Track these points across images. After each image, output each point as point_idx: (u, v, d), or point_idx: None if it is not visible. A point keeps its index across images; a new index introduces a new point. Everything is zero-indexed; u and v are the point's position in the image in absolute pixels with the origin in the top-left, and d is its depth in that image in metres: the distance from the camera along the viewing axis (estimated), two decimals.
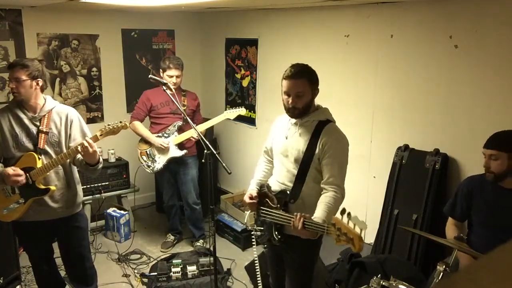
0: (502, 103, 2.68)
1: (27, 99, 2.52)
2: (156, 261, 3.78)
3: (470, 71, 2.81)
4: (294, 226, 2.06)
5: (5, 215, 2.62)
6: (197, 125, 3.83)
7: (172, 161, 3.80)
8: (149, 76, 3.05)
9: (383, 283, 2.28)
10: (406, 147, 3.18)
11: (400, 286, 2.27)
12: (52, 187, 2.57)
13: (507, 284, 0.46)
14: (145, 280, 3.46)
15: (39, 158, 2.53)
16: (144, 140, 3.85)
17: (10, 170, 2.47)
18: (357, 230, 1.84)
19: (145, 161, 3.83)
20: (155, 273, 3.40)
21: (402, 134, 3.23)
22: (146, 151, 3.83)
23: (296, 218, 2.05)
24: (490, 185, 2.41)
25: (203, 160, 2.67)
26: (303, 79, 2.14)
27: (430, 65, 3.02)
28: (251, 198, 2.38)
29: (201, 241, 4.11)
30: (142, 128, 3.83)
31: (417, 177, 3.05)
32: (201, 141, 2.73)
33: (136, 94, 4.79)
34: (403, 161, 3.15)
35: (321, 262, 2.99)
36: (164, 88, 2.85)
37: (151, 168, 3.81)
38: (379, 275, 2.36)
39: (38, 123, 2.55)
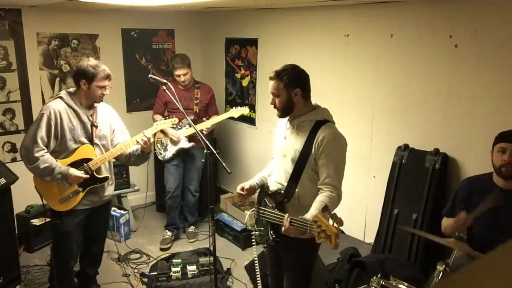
0: (502, 103, 2.68)
1: None
2: (156, 260, 3.78)
3: (470, 71, 2.81)
4: (284, 225, 2.11)
5: (62, 205, 2.75)
6: (212, 117, 4.12)
7: (181, 152, 4.04)
8: (149, 76, 3.05)
9: (383, 283, 2.28)
10: (406, 146, 3.18)
11: (400, 285, 2.27)
12: (108, 175, 2.89)
13: (507, 284, 0.46)
14: (145, 279, 3.46)
15: (94, 150, 2.77)
16: (162, 130, 4.02)
17: (75, 172, 2.67)
18: (335, 227, 1.87)
19: (158, 149, 4.11)
20: (155, 273, 3.40)
21: (402, 133, 3.23)
22: (161, 140, 4.11)
23: (284, 217, 2.11)
24: (490, 186, 2.40)
25: (203, 160, 2.70)
26: (275, 80, 2.25)
27: (430, 65, 3.01)
28: (242, 189, 2.39)
29: (192, 227, 4.34)
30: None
31: (417, 177, 3.05)
32: (201, 140, 2.73)
33: (136, 94, 4.80)
34: (403, 161, 3.15)
35: (321, 262, 2.99)
36: (164, 88, 2.85)
37: (162, 155, 4.08)
38: (379, 274, 2.37)
39: (91, 118, 2.78)
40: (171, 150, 4.04)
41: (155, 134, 3.93)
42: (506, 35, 2.61)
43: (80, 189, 2.76)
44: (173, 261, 3.52)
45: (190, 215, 4.33)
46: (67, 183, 2.71)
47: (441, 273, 2.15)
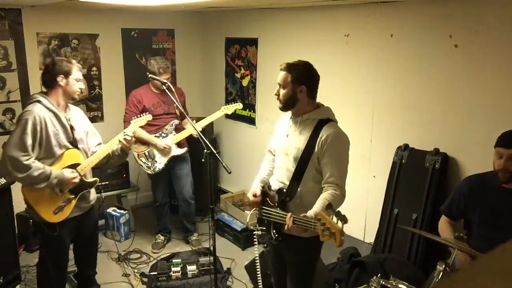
0: (502, 102, 2.68)
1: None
2: (156, 260, 3.78)
3: (470, 71, 2.81)
4: (287, 224, 2.13)
5: (56, 216, 2.62)
6: (184, 119, 3.86)
7: (171, 160, 3.83)
8: (149, 75, 3.06)
9: (383, 283, 2.28)
10: (406, 146, 3.18)
11: (400, 285, 2.27)
12: (97, 179, 2.80)
13: (507, 284, 0.46)
14: (145, 279, 3.46)
15: (80, 154, 2.69)
16: (140, 142, 3.82)
17: (70, 174, 2.58)
18: (340, 224, 1.86)
19: (144, 163, 3.82)
20: (155, 273, 3.40)
21: (402, 133, 3.24)
22: (145, 153, 3.82)
23: (287, 216, 2.12)
24: (491, 185, 2.40)
25: (203, 160, 2.67)
26: (285, 72, 2.24)
27: (430, 65, 3.02)
28: (254, 196, 2.39)
29: (195, 234, 4.18)
30: (140, 131, 3.74)
31: (417, 177, 3.05)
32: (201, 140, 2.72)
33: None
34: (403, 161, 3.15)
35: (321, 262, 2.99)
36: (164, 88, 2.84)
37: (152, 169, 3.82)
38: (379, 274, 2.37)
39: (69, 121, 2.67)
40: (162, 161, 3.80)
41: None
42: (506, 35, 2.61)
43: (72, 196, 2.66)
44: (173, 261, 3.52)
45: (190, 224, 4.16)
46: (62, 187, 2.59)
47: (441, 273, 2.15)
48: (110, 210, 4.29)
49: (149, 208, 4.91)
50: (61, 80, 2.57)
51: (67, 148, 2.63)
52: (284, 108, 2.29)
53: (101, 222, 4.33)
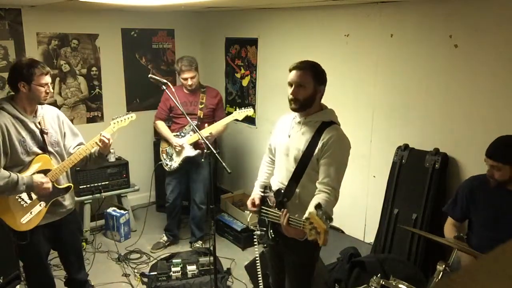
0: (502, 103, 2.68)
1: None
2: (156, 260, 3.78)
3: (469, 71, 2.81)
4: (281, 222, 2.13)
5: (25, 224, 2.52)
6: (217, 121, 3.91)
7: (187, 161, 3.82)
8: (149, 75, 3.06)
9: (383, 283, 2.28)
10: (406, 146, 3.18)
11: (399, 285, 2.27)
12: (71, 184, 2.69)
13: (507, 284, 0.46)
14: (145, 279, 3.47)
15: (50, 159, 2.57)
16: (165, 139, 3.93)
17: (40, 178, 2.47)
18: (326, 224, 1.87)
19: (164, 159, 3.95)
20: (155, 273, 3.40)
21: (402, 133, 3.24)
22: (166, 150, 3.95)
23: (282, 214, 2.11)
24: (492, 186, 2.41)
25: (202, 160, 2.69)
26: (307, 71, 2.16)
27: (430, 65, 3.02)
28: (253, 204, 2.39)
29: (200, 242, 4.12)
30: (163, 127, 3.93)
31: (417, 177, 3.05)
32: (202, 140, 2.74)
33: (136, 94, 4.81)
34: (403, 161, 3.15)
35: (321, 262, 2.99)
36: (164, 88, 2.85)
37: (168, 166, 3.93)
38: (379, 274, 2.37)
39: (39, 125, 2.54)
40: (177, 160, 3.85)
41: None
42: (506, 35, 2.61)
43: (42, 203, 2.54)
44: (173, 261, 3.52)
45: (197, 229, 4.11)
46: (34, 193, 2.50)
47: (441, 273, 2.15)
48: (110, 210, 4.30)
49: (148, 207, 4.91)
50: (22, 86, 2.43)
51: (37, 154, 2.51)
52: (301, 108, 2.19)
53: (101, 222, 4.34)
